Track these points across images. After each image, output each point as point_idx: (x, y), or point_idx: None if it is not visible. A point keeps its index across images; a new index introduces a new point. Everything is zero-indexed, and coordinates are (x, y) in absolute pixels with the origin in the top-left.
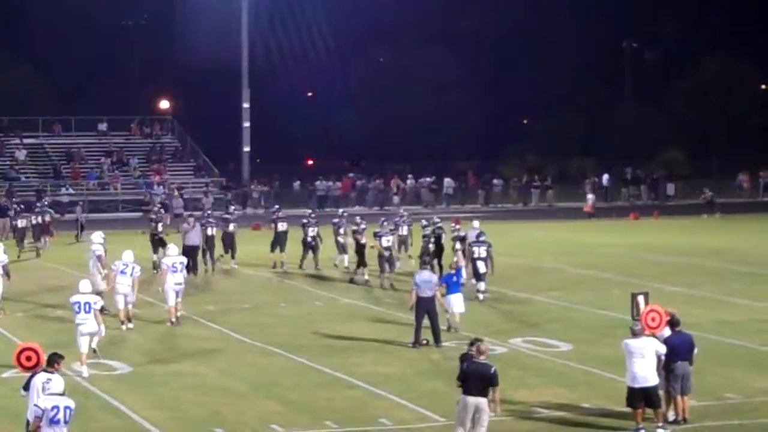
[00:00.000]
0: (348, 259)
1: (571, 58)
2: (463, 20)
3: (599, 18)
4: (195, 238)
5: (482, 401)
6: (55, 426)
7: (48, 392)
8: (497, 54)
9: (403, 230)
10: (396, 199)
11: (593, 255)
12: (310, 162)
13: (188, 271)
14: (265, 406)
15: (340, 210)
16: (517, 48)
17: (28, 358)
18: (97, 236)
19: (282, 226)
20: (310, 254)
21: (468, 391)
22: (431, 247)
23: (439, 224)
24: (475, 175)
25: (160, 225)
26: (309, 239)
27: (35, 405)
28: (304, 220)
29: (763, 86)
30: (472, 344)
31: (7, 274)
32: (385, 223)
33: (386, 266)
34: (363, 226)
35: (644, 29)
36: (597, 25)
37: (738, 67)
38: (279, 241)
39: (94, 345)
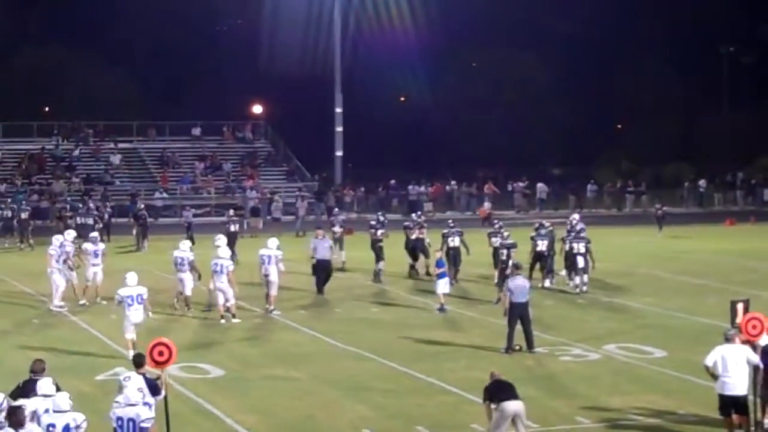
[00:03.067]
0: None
1: (666, 62)
2: (557, 24)
3: (696, 22)
4: (325, 251)
5: None
6: None
7: (125, 389)
8: (591, 58)
9: (454, 242)
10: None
11: (688, 261)
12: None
13: (319, 291)
14: (357, 411)
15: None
16: (612, 52)
17: (161, 353)
18: (222, 240)
19: (234, 227)
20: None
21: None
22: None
23: (550, 228)
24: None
25: (233, 226)
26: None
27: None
28: (406, 223)
29: None
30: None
31: (194, 269)
32: (452, 226)
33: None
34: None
35: (741, 33)
36: (693, 30)
37: None
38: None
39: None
